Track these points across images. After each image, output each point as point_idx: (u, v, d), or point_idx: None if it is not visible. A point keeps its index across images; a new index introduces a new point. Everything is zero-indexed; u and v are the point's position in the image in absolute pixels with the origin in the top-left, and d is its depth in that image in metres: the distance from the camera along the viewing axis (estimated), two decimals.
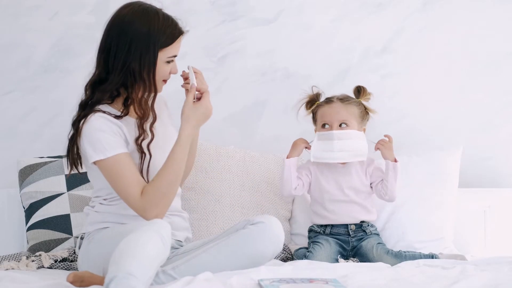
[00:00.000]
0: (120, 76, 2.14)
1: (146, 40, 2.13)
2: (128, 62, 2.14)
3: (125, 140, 2.19)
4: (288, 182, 2.61)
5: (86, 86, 2.22)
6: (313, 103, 2.66)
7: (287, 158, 2.62)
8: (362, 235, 2.60)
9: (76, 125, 2.17)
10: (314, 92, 2.67)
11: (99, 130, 2.14)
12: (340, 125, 2.59)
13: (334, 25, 3.12)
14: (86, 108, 2.17)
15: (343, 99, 2.63)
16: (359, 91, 2.65)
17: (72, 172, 2.26)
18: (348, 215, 2.60)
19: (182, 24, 2.21)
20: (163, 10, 2.20)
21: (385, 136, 2.63)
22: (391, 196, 2.61)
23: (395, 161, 2.58)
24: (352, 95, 2.66)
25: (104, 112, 2.17)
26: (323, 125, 2.62)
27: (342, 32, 3.12)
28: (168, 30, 2.16)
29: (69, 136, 2.20)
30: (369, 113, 2.65)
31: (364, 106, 2.64)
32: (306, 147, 2.64)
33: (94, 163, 2.15)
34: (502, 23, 3.07)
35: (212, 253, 2.09)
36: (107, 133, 2.14)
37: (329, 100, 2.64)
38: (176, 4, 3.09)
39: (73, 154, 2.20)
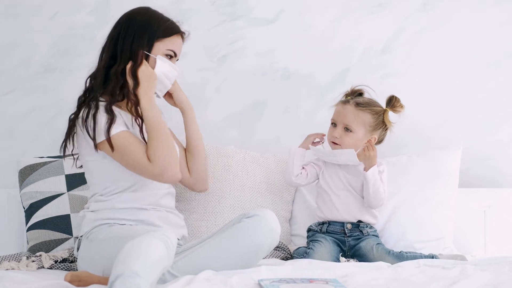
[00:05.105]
0: (126, 60, 2.28)
1: (147, 28, 2.31)
2: (134, 48, 2.29)
3: (123, 123, 2.26)
4: (290, 168, 2.64)
5: (92, 76, 2.31)
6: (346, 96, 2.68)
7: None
8: (358, 235, 2.60)
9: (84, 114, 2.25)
10: (356, 88, 2.66)
11: (101, 116, 2.23)
12: (344, 128, 2.59)
13: (334, 25, 3.12)
14: (98, 92, 2.27)
15: (359, 104, 2.60)
16: (391, 100, 2.63)
17: (78, 164, 2.36)
18: (346, 212, 2.60)
19: (182, 26, 2.39)
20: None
21: (369, 141, 2.60)
22: (369, 205, 2.59)
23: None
24: (380, 101, 2.65)
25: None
26: (332, 123, 2.64)
27: (342, 32, 3.12)
28: (166, 24, 2.34)
29: (71, 117, 2.28)
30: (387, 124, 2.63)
31: (383, 116, 2.61)
32: (313, 142, 2.67)
33: (101, 148, 2.22)
34: (502, 23, 3.07)
35: (209, 248, 2.11)
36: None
37: (346, 101, 2.63)
38: (176, 4, 3.09)
39: (72, 135, 2.29)
